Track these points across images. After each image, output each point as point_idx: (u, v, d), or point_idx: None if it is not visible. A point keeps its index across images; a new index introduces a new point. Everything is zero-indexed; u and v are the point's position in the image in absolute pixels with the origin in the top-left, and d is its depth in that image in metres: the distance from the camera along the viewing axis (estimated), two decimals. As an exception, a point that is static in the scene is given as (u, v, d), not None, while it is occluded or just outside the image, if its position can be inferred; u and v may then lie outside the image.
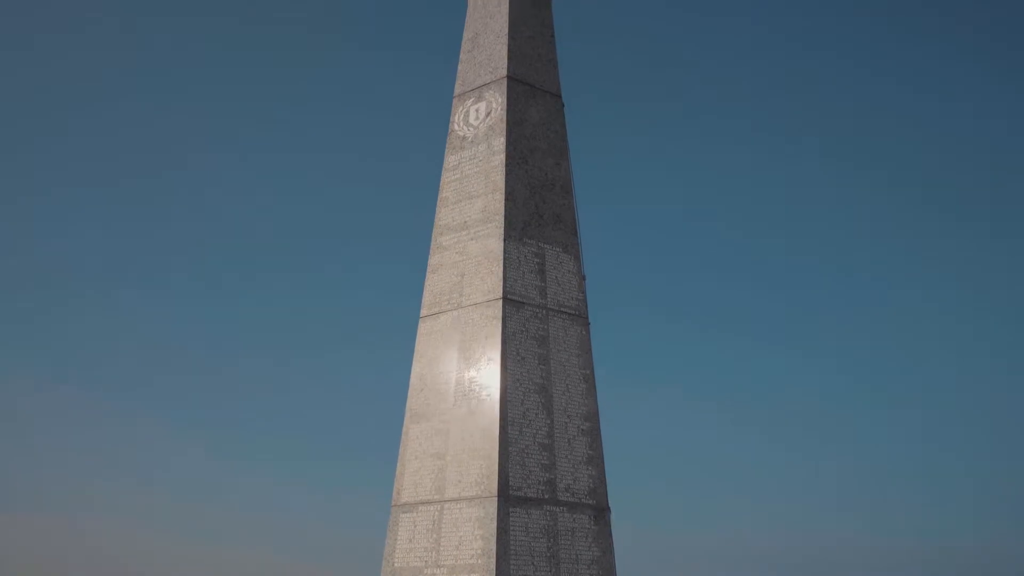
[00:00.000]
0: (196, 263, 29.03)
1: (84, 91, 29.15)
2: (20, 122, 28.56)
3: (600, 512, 9.24)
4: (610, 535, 9.22)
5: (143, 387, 27.64)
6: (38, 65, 28.54)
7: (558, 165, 10.34)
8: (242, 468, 26.74)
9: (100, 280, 28.68)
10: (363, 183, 29.80)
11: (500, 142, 10.02)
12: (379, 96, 29.83)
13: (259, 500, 25.49)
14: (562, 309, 9.71)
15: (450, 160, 10.44)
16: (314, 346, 28.44)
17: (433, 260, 10.07)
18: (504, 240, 9.55)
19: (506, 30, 10.57)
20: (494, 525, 8.54)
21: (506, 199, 9.74)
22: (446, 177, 10.38)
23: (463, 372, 9.33)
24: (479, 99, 10.46)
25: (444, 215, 10.20)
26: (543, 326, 9.52)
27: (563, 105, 10.71)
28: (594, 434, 9.45)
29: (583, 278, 10.05)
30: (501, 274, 9.43)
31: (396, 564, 9.07)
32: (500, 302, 9.34)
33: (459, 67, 10.89)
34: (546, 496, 8.90)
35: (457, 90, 10.78)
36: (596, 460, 9.37)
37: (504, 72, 10.34)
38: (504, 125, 10.08)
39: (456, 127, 10.56)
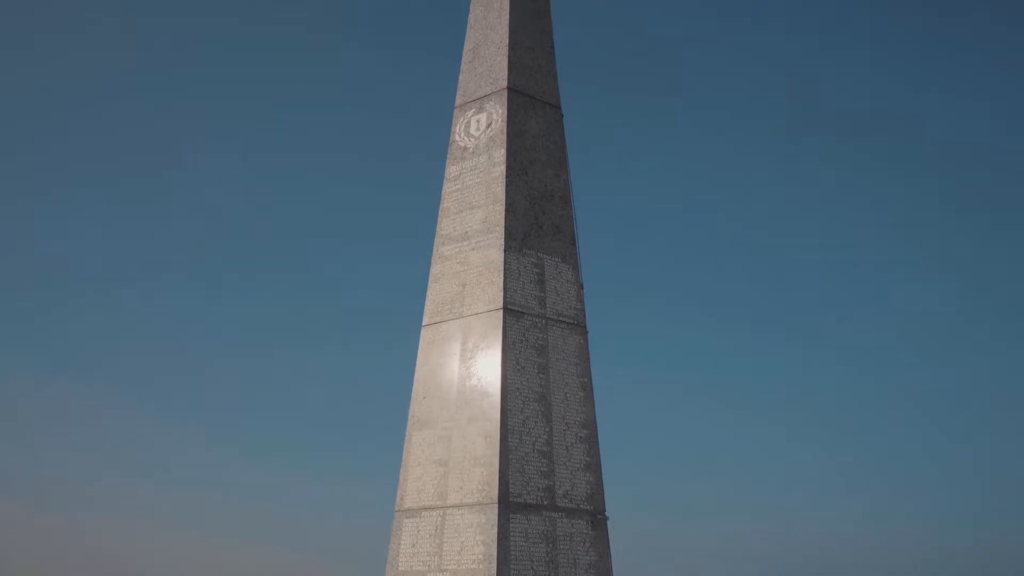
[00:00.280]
0: (196, 262, 29.26)
1: (84, 91, 29.30)
2: (20, 122, 28.72)
3: (597, 517, 9.50)
4: (607, 540, 9.49)
5: (143, 386, 27.95)
6: (38, 65, 28.67)
7: (557, 176, 10.55)
8: (242, 469, 27.05)
9: (101, 278, 28.90)
10: (364, 183, 30.02)
11: (501, 154, 10.22)
12: (380, 96, 30.03)
13: (261, 500, 25.78)
14: (561, 319, 9.95)
15: (451, 170, 10.64)
16: (316, 345, 28.74)
17: (435, 270, 10.29)
18: (504, 251, 9.77)
19: (506, 41, 10.75)
20: (495, 531, 8.79)
21: (506, 210, 9.95)
22: (447, 187, 10.59)
23: (464, 381, 9.57)
24: (480, 110, 10.65)
25: (445, 225, 10.41)
26: (542, 335, 9.75)
27: (562, 115, 10.91)
28: (592, 441, 9.70)
29: (581, 287, 10.28)
30: (502, 285, 9.65)
31: (400, 568, 9.33)
32: (501, 312, 9.56)
33: (460, 77, 11.07)
34: (545, 502, 9.16)
35: (458, 100, 10.96)
36: (594, 467, 9.62)
37: (504, 84, 10.53)
38: (504, 137, 10.28)
39: (457, 137, 10.76)
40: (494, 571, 8.65)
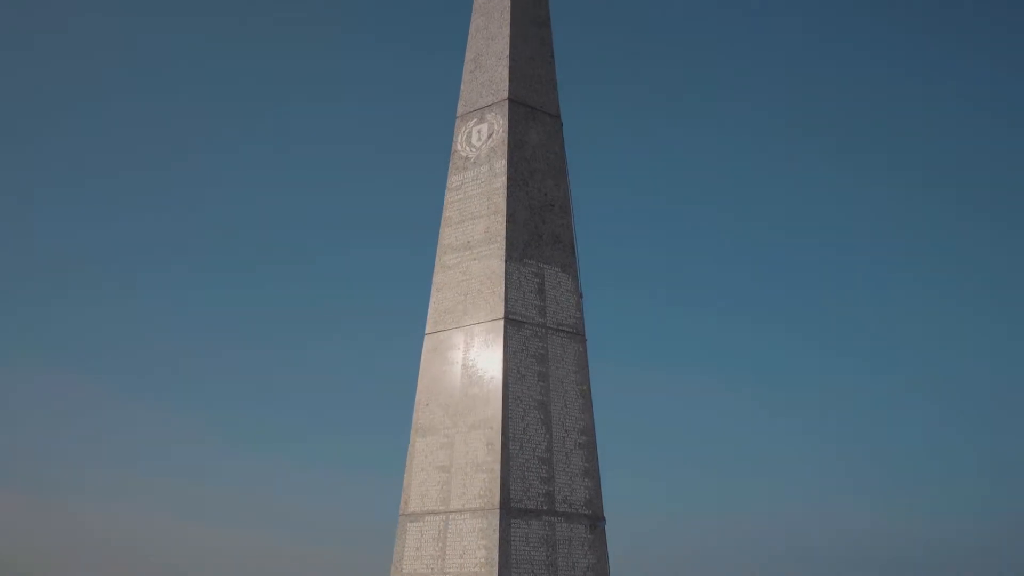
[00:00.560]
0: (197, 258, 29.50)
1: (82, 88, 29.46)
2: (20, 122, 28.86)
3: (595, 522, 9.81)
4: (605, 543, 9.81)
5: (145, 381, 28.23)
6: (37, 64, 28.80)
7: (557, 186, 10.77)
8: (242, 466, 27.39)
9: (103, 271, 29.15)
10: (375, 178, 30.21)
11: (502, 164, 10.44)
12: (384, 98, 30.20)
13: (263, 501, 26.12)
14: (560, 328, 10.21)
15: (453, 180, 10.86)
16: (319, 342, 29.03)
17: (437, 278, 10.54)
18: (506, 261, 10.01)
19: (507, 52, 10.94)
20: (496, 535, 9.10)
21: (507, 221, 10.18)
22: (449, 197, 10.81)
23: (466, 388, 9.84)
24: (481, 120, 10.86)
25: (448, 234, 10.65)
26: (542, 344, 10.02)
27: (562, 124, 11.11)
28: (590, 447, 9.99)
29: (580, 296, 10.53)
30: (503, 295, 9.91)
31: (405, 571, 9.65)
32: (502, 322, 9.82)
33: (462, 87, 11.26)
34: (545, 507, 9.46)
35: (460, 110, 11.16)
36: (592, 472, 9.92)
37: (505, 95, 10.73)
38: (505, 148, 10.49)
39: (459, 147, 10.97)
40: (496, 574, 8.96)
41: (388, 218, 29.81)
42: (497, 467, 9.32)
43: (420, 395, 10.23)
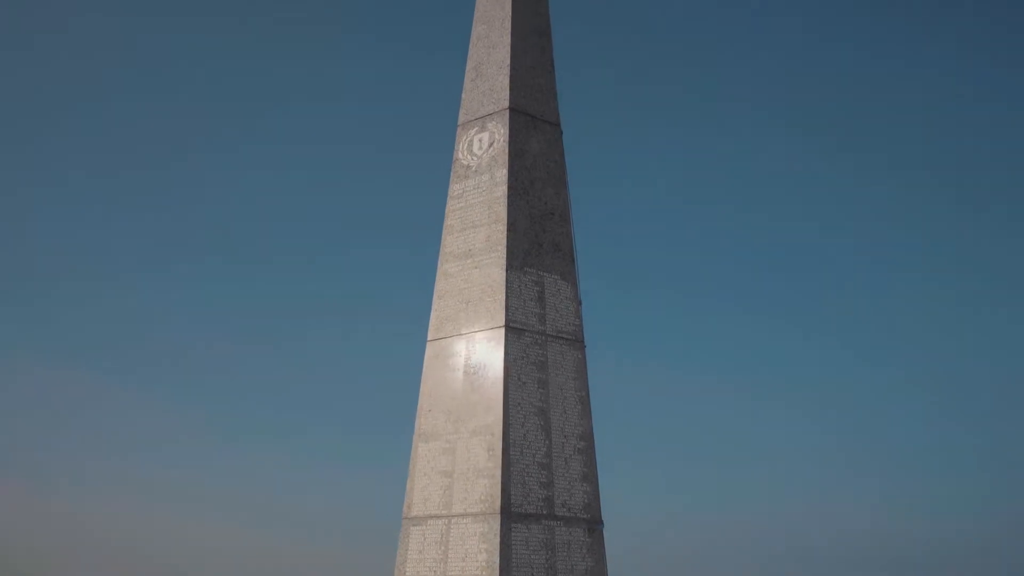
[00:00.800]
0: (198, 256, 29.68)
1: (85, 88, 29.55)
2: (20, 121, 28.98)
3: (594, 525, 10.06)
4: (603, 546, 10.06)
5: (147, 377, 28.45)
6: (38, 64, 28.90)
7: (557, 194, 10.96)
8: (247, 467, 27.63)
9: (109, 267, 29.33)
10: (378, 179, 30.38)
11: (502, 173, 10.62)
12: (386, 89, 30.31)
13: (265, 502, 26.35)
14: (560, 335, 10.42)
15: (454, 188, 11.04)
16: (322, 342, 29.25)
17: (439, 286, 10.74)
18: (506, 270, 10.21)
19: (508, 61, 11.10)
20: (497, 540, 9.34)
21: (508, 230, 10.37)
22: (451, 205, 10.99)
23: (468, 395, 10.06)
24: (482, 129, 11.03)
25: (449, 242, 10.84)
26: (542, 352, 10.23)
27: (561, 133, 11.29)
28: (589, 452, 10.22)
29: (579, 303, 10.74)
30: (503, 303, 10.11)
31: (407, 573, 9.90)
32: (503, 330, 10.03)
33: (463, 95, 11.42)
34: (544, 512, 9.70)
35: (461, 118, 11.33)
36: (591, 477, 10.16)
37: (506, 104, 10.89)
38: (506, 157, 10.67)
39: (460, 156, 11.14)
40: (496, 578, 9.22)
41: (392, 219, 30.01)
42: (498, 473, 9.55)
43: (422, 401, 10.45)
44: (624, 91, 29.77)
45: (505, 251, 10.30)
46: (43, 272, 28.42)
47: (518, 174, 10.68)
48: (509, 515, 9.45)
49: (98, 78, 29.35)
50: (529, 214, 10.62)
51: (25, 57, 28.78)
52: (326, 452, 27.51)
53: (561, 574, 9.67)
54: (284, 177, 30.47)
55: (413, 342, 11.11)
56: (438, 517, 9.85)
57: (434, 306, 10.74)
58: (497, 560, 9.28)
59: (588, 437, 10.28)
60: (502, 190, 10.57)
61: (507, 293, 10.16)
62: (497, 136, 10.87)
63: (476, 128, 11.11)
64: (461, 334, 10.36)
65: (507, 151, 10.70)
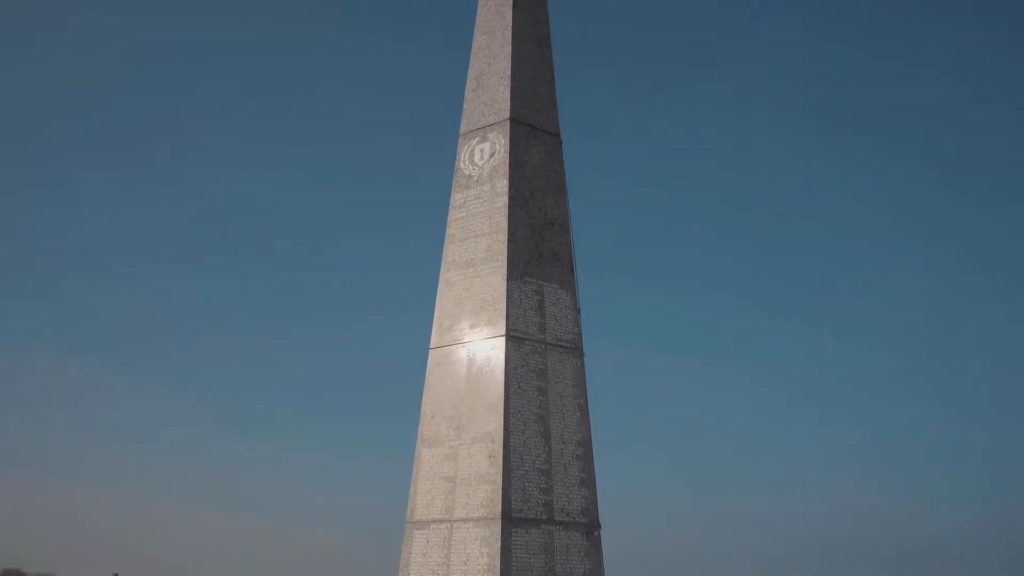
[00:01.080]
0: (197, 255, 29.85)
1: (85, 88, 29.62)
2: (20, 121, 29.09)
3: (591, 529, 10.37)
4: (600, 549, 10.38)
5: (154, 369, 28.66)
6: (38, 64, 28.95)
7: (557, 204, 11.19)
8: (249, 466, 27.91)
9: (111, 262, 29.53)
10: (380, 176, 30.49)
11: (503, 184, 10.84)
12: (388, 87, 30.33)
13: (270, 502, 26.66)
14: (559, 343, 10.69)
15: (456, 198, 11.26)
16: (325, 342, 29.47)
17: (441, 295, 10.99)
18: (507, 280, 10.46)
19: (508, 72, 11.29)
20: (498, 544, 9.65)
21: (508, 240, 10.61)
22: (453, 214, 11.22)
23: (469, 403, 10.34)
24: (483, 139, 11.24)
25: (451, 251, 11.08)
26: (542, 360, 10.51)
27: (561, 142, 11.50)
28: (587, 458, 10.53)
29: (578, 311, 10.99)
30: (504, 312, 10.37)
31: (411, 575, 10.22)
32: (503, 339, 10.30)
33: (464, 105, 11.62)
34: (544, 517, 10.01)
35: (463, 128, 11.53)
36: (588, 482, 10.47)
37: (507, 114, 11.10)
38: (507, 167, 10.89)
39: (462, 165, 11.36)
40: (497, 581, 9.54)
41: (394, 219, 30.23)
42: (499, 479, 9.84)
43: (425, 408, 10.73)
44: (624, 92, 29.94)
45: (506, 261, 10.54)
46: (43, 269, 28.68)
47: (518, 185, 10.91)
48: (510, 520, 9.76)
49: (98, 78, 29.50)
50: (529, 224, 10.86)
51: (25, 57, 28.89)
52: (328, 453, 27.94)
53: (560, 577, 10.00)
54: (279, 174, 30.72)
55: (416, 346, 11.38)
56: (441, 521, 10.16)
57: (436, 314, 10.99)
58: (498, 564, 9.60)
59: (586, 443, 10.58)
60: (503, 200, 10.79)
61: (508, 303, 10.42)
62: (498, 147, 11.07)
63: (477, 138, 11.32)
64: (463, 342, 10.62)
65: (508, 162, 10.91)
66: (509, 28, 11.50)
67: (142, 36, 29.66)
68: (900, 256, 29.28)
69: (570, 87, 12.18)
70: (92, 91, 29.60)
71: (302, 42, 30.61)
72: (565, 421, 10.48)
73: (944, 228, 28.92)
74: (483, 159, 11.18)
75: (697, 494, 26.59)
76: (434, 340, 10.93)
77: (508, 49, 11.40)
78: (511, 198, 10.79)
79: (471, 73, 11.74)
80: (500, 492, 9.80)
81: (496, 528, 9.73)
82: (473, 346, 10.53)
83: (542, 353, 10.54)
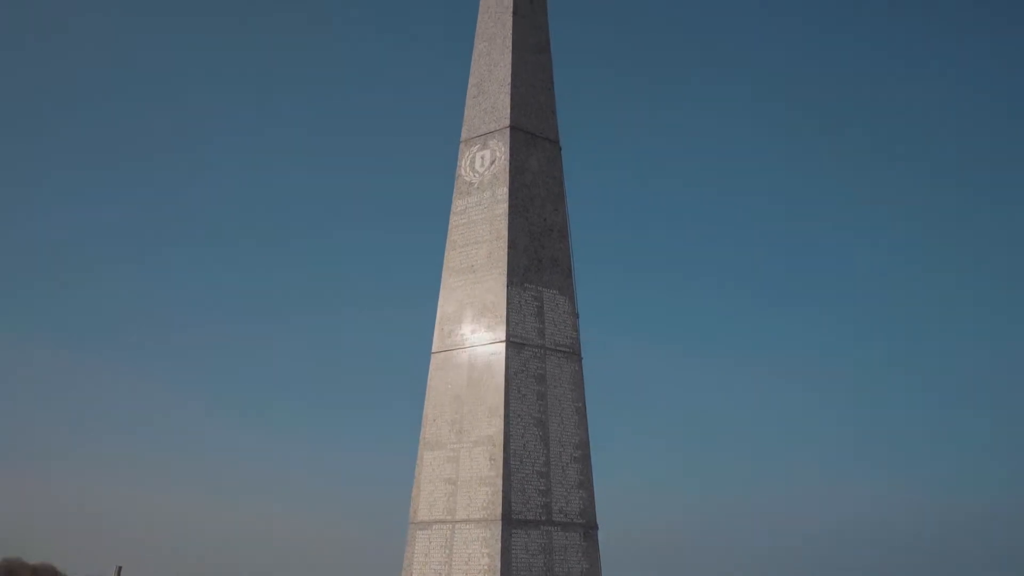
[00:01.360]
0: (198, 254, 29.94)
1: (85, 88, 29.69)
2: (20, 121, 29.16)
3: (589, 530, 10.66)
4: (597, 549, 10.67)
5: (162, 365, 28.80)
6: (38, 64, 29.00)
7: (556, 211, 11.41)
8: (254, 465, 28.12)
9: (114, 255, 29.67)
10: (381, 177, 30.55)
11: (503, 191, 11.06)
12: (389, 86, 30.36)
13: (273, 502, 26.88)
14: (558, 348, 10.94)
15: (457, 204, 11.48)
16: (328, 343, 29.62)
17: (443, 300, 11.22)
18: (507, 286, 10.70)
19: (508, 79, 11.48)
20: (499, 544, 9.94)
21: (509, 247, 10.84)
22: (454, 221, 11.44)
23: (470, 407, 10.60)
24: (484, 146, 11.44)
25: (452, 258, 11.31)
26: (541, 365, 10.76)
27: (560, 149, 11.70)
28: (585, 461, 10.80)
29: (576, 316, 11.24)
30: (504, 317, 10.61)
31: (414, 575, 10.51)
32: (504, 344, 10.54)
33: (465, 112, 11.81)
34: (543, 518, 10.30)
35: (464, 135, 11.72)
36: (586, 484, 10.74)
37: (507, 122, 11.30)
38: (507, 175, 11.10)
39: (463, 172, 11.57)
40: (498, 581, 9.83)
41: (399, 220, 30.39)
42: (499, 481, 10.12)
43: (427, 411, 10.99)
44: (625, 90, 30.03)
45: (506, 268, 10.77)
46: (44, 266, 28.85)
47: (518, 192, 11.12)
48: (510, 521, 10.04)
49: (98, 78, 29.59)
50: (529, 231, 11.08)
51: (25, 57, 28.96)
52: (331, 452, 28.21)
53: (558, 576, 10.30)
54: (279, 172, 30.85)
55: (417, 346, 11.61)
56: (443, 522, 10.44)
57: (438, 320, 11.22)
58: (498, 564, 9.88)
59: (584, 446, 10.85)
60: (503, 208, 11.01)
61: (508, 309, 10.66)
62: (498, 154, 11.28)
63: (478, 145, 11.52)
64: (464, 347, 10.87)
65: (508, 169, 11.12)
66: (509, 36, 11.68)
67: (142, 36, 29.75)
68: (900, 249, 29.53)
69: (570, 93, 12.38)
70: (92, 91, 29.73)
71: (302, 43, 30.69)
72: (564, 424, 10.74)
73: (947, 222, 29.16)
74: (484, 166, 11.39)
75: (697, 494, 26.99)
76: (435, 344, 11.18)
77: (508, 57, 11.58)
78: (511, 205, 11.01)
79: (472, 80, 11.92)
80: (500, 494, 10.07)
81: (496, 529, 10.01)
82: (474, 351, 10.78)
83: (541, 358, 10.79)
